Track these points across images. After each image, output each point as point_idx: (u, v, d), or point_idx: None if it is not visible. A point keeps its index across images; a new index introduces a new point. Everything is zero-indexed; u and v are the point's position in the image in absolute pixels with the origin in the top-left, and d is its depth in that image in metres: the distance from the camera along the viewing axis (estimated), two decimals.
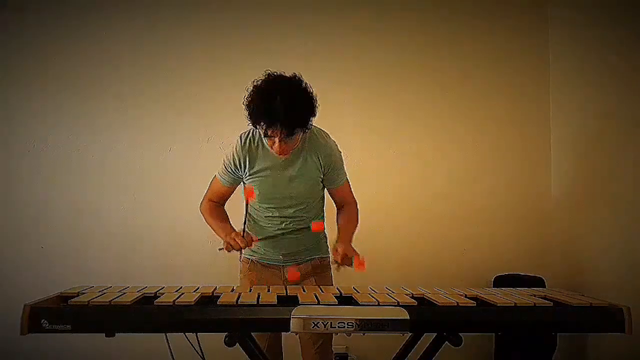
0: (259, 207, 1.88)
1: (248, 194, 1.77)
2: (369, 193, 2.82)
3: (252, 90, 1.65)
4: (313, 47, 2.88)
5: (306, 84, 1.68)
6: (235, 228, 1.86)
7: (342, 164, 1.92)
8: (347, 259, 1.73)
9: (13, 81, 2.78)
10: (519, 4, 2.98)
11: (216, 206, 1.95)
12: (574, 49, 2.75)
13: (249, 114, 1.67)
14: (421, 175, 2.89)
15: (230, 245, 1.73)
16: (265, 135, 1.67)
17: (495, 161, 2.92)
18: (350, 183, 1.98)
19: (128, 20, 2.84)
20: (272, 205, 1.87)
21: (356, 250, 1.76)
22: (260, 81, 1.66)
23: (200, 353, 1.70)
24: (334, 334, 1.97)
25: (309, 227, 1.81)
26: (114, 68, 2.82)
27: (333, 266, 1.83)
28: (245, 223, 1.84)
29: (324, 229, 1.91)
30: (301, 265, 1.92)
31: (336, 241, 1.80)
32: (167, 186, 2.80)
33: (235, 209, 1.97)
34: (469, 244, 2.86)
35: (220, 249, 1.78)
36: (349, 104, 2.85)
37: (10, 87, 2.78)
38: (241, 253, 1.92)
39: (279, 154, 1.73)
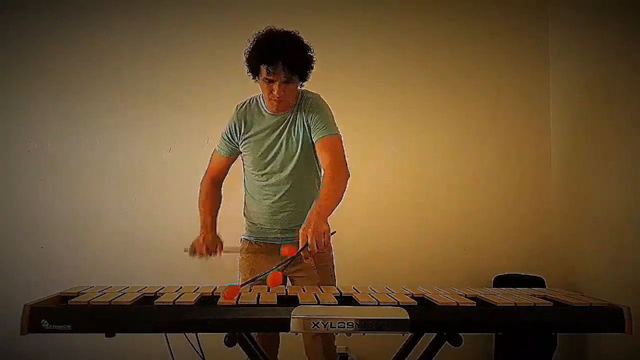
0: (255, 176, 1.90)
1: (273, 282, 1.50)
2: (368, 193, 2.83)
3: (254, 38, 1.75)
4: (313, 46, 2.86)
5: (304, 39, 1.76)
6: (216, 222, 1.90)
7: (330, 118, 1.82)
8: (317, 250, 1.49)
9: (13, 81, 2.79)
10: (519, 4, 2.98)
11: (214, 189, 1.98)
12: (574, 49, 2.76)
13: (249, 60, 1.74)
14: (421, 175, 2.89)
15: (195, 249, 1.80)
16: (267, 74, 1.70)
17: (495, 161, 2.92)
18: (343, 145, 1.80)
19: (128, 20, 2.84)
20: (266, 172, 1.87)
21: (328, 227, 1.52)
22: (261, 32, 1.75)
23: (200, 353, 1.70)
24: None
25: (303, 201, 1.80)
26: (114, 68, 2.82)
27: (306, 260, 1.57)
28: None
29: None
30: (302, 253, 1.85)
31: (308, 215, 1.56)
32: (167, 186, 2.80)
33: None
34: (469, 244, 2.86)
35: (185, 250, 1.82)
36: (348, 104, 2.85)
37: (10, 87, 2.78)
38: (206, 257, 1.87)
39: (276, 105, 1.77)
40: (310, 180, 1.93)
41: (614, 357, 2.30)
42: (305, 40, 1.76)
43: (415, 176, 2.89)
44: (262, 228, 1.93)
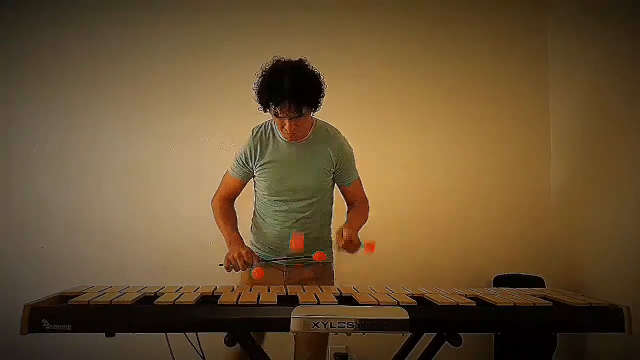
0: (268, 200, 1.90)
1: (257, 275, 1.72)
2: (368, 192, 2.81)
3: (261, 74, 1.73)
4: (313, 47, 2.87)
5: (312, 66, 1.75)
6: (242, 237, 1.87)
7: (354, 160, 1.95)
8: (351, 244, 1.73)
9: (13, 81, 2.78)
10: (519, 4, 2.98)
11: (227, 206, 1.96)
12: (574, 49, 2.75)
13: (258, 97, 1.73)
14: (421, 175, 2.89)
15: (231, 264, 1.75)
16: (275, 115, 1.71)
17: (495, 161, 2.92)
18: (362, 182, 2.00)
19: (128, 20, 2.84)
20: (280, 198, 1.88)
21: (359, 241, 1.75)
22: (268, 65, 1.73)
23: (200, 353, 1.70)
24: (327, 345, 1.94)
25: (315, 229, 1.83)
26: (114, 68, 2.82)
27: (334, 250, 1.84)
28: (252, 222, 1.85)
29: (326, 258, 1.86)
30: (304, 270, 1.91)
31: (342, 226, 1.79)
32: (167, 186, 2.80)
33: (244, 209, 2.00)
34: (469, 243, 2.86)
35: (220, 265, 1.78)
36: (348, 103, 2.85)
37: (10, 87, 2.78)
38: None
39: (290, 137, 1.77)
40: (325, 209, 1.95)
41: (614, 357, 2.30)
42: (313, 69, 1.74)
43: (415, 176, 2.89)
44: (269, 248, 1.93)
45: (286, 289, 1.60)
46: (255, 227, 1.99)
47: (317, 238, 1.91)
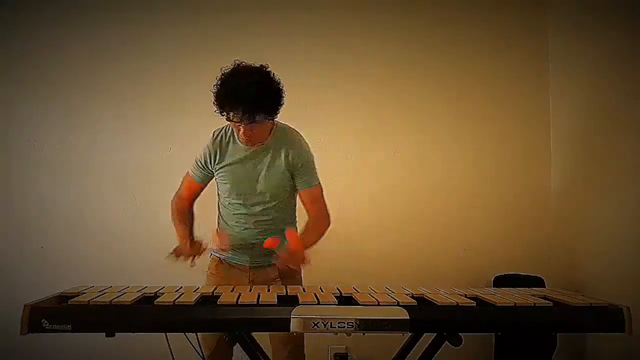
0: (229, 204, 1.91)
1: (219, 241, 1.78)
2: (367, 192, 2.83)
3: (220, 77, 1.72)
4: (313, 47, 2.88)
5: (272, 73, 1.73)
6: (194, 235, 1.91)
7: (313, 166, 1.90)
8: (289, 257, 1.70)
9: (13, 81, 2.78)
10: (519, 4, 2.98)
11: (184, 206, 1.99)
12: (574, 50, 2.75)
13: (215, 100, 1.71)
14: (420, 175, 2.89)
15: (179, 251, 1.81)
16: (229, 119, 1.70)
17: (495, 161, 2.91)
18: (323, 193, 1.92)
19: (128, 20, 2.84)
20: (240, 202, 1.89)
21: (307, 256, 1.73)
22: (228, 69, 1.73)
23: (200, 353, 1.70)
24: (303, 340, 1.94)
25: (277, 231, 1.81)
26: (114, 68, 2.82)
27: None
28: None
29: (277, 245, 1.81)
30: (268, 269, 1.89)
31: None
32: (167, 186, 2.77)
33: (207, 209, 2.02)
34: (469, 244, 2.86)
35: (170, 254, 1.82)
36: (348, 104, 2.85)
37: (10, 87, 2.78)
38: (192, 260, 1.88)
39: (246, 142, 1.78)
40: (286, 214, 1.95)
41: (614, 357, 2.30)
42: (273, 77, 1.71)
43: (415, 176, 2.88)
44: (231, 255, 1.94)
45: (286, 289, 1.60)
46: (220, 229, 1.99)
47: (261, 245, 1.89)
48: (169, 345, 1.60)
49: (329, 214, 1.92)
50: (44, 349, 2.59)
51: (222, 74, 1.72)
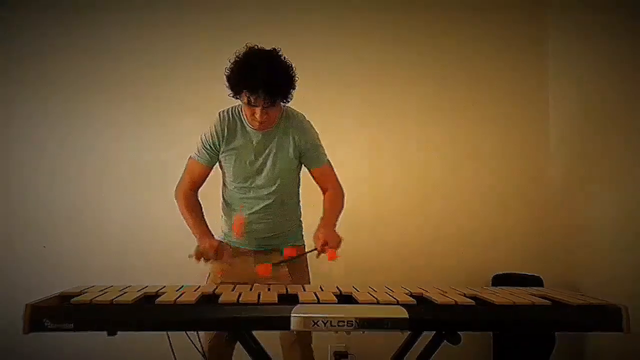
0: (234, 187, 1.90)
1: (237, 227, 1.77)
2: (367, 191, 2.84)
3: (235, 61, 1.72)
4: (313, 47, 2.88)
5: (286, 57, 1.74)
6: (211, 230, 1.87)
7: (319, 144, 1.92)
8: (327, 246, 1.71)
9: (13, 81, 2.79)
10: (519, 4, 2.99)
11: (192, 196, 1.94)
12: (573, 50, 2.76)
13: (230, 84, 1.71)
14: (419, 174, 2.90)
15: (202, 254, 1.75)
16: (248, 103, 1.69)
17: (494, 160, 2.92)
18: (333, 168, 1.96)
19: (129, 20, 2.85)
20: (246, 185, 1.88)
21: (340, 235, 1.76)
22: (241, 53, 1.72)
23: (201, 352, 1.71)
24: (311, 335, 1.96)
25: (282, 214, 1.84)
26: (114, 68, 2.82)
27: (314, 253, 1.79)
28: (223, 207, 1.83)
29: (295, 253, 1.87)
30: (272, 253, 1.90)
31: (318, 227, 1.78)
32: (167, 186, 2.78)
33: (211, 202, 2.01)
34: (468, 242, 2.87)
35: (190, 257, 1.77)
36: (347, 102, 2.86)
37: (10, 87, 2.78)
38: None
39: (259, 127, 1.77)
40: (291, 195, 1.96)
41: (612, 356, 2.31)
42: (286, 60, 1.72)
43: (414, 176, 2.89)
44: (236, 238, 1.94)
45: (286, 288, 1.61)
46: (225, 214, 1.99)
47: (284, 222, 1.93)
48: (170, 344, 1.61)
49: (341, 186, 1.96)
50: (44, 348, 2.59)
51: (236, 57, 1.71)
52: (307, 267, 1.98)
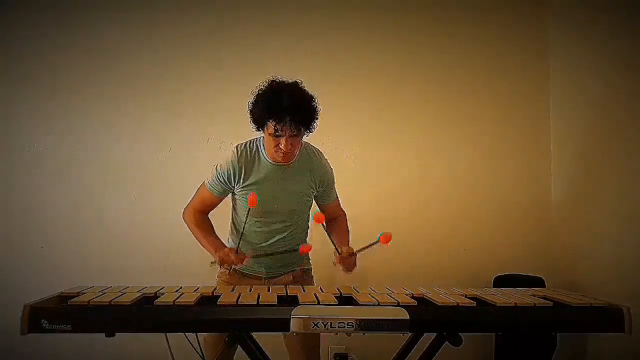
0: (249, 220, 1.85)
1: (251, 202, 1.71)
2: (368, 193, 2.83)
3: (259, 93, 1.73)
4: (312, 47, 2.88)
5: (307, 89, 1.76)
6: (223, 241, 1.87)
7: (334, 182, 1.98)
8: (350, 259, 1.76)
9: (13, 81, 2.78)
10: (519, 4, 2.98)
11: (202, 216, 1.93)
12: (574, 50, 2.75)
13: (255, 115, 1.72)
14: (420, 175, 2.89)
15: (223, 260, 1.75)
16: (275, 132, 1.68)
17: (495, 161, 2.91)
18: (339, 197, 2.04)
19: (129, 20, 2.84)
20: (262, 219, 1.87)
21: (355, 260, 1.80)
22: (265, 85, 1.73)
23: (200, 353, 1.70)
24: (319, 340, 1.96)
25: (296, 248, 1.83)
26: (114, 68, 2.82)
27: (333, 263, 1.82)
28: (239, 241, 1.81)
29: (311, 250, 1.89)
30: (282, 277, 1.93)
31: (335, 246, 1.81)
32: (167, 186, 2.80)
33: (222, 219, 1.99)
34: (469, 244, 2.86)
35: (212, 263, 1.79)
36: (347, 104, 2.85)
37: (10, 87, 2.78)
38: (231, 269, 1.88)
39: (283, 157, 1.75)
40: (302, 229, 1.97)
41: (614, 358, 2.30)
42: (308, 92, 1.74)
43: (415, 177, 2.88)
44: (245, 266, 1.91)
45: (286, 289, 1.60)
46: (234, 235, 1.98)
47: (291, 255, 1.93)
48: (169, 346, 1.60)
49: (344, 210, 2.06)
50: (44, 349, 2.59)
51: (259, 89, 1.73)
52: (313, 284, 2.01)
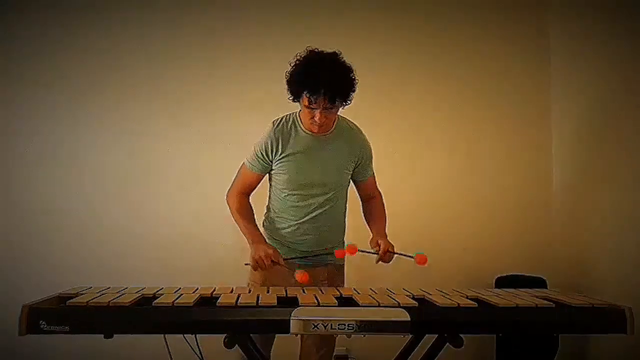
0: (286, 195, 1.86)
1: (301, 279, 1.68)
2: None
3: (295, 62, 1.72)
4: (312, 46, 2.86)
5: (346, 60, 1.74)
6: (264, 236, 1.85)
7: (372, 157, 1.96)
8: (388, 254, 1.76)
9: (13, 81, 2.78)
10: (519, 4, 2.97)
11: (245, 201, 1.90)
12: (574, 51, 2.75)
13: (291, 85, 1.71)
14: (421, 175, 2.88)
15: (258, 264, 1.72)
16: (309, 103, 1.67)
17: (497, 161, 2.91)
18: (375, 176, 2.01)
19: (129, 21, 2.84)
20: (298, 192, 1.85)
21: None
22: (302, 55, 1.72)
23: (199, 355, 1.69)
24: (335, 343, 1.95)
25: (330, 225, 1.83)
26: (114, 69, 2.81)
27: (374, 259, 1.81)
28: (266, 219, 1.81)
29: (345, 255, 1.87)
30: (317, 269, 1.88)
31: (373, 236, 1.83)
32: (166, 186, 2.80)
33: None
34: (470, 244, 2.85)
35: (246, 264, 1.76)
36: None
37: (10, 87, 2.78)
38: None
39: (317, 129, 1.74)
40: (341, 205, 1.94)
41: (616, 358, 2.29)
42: (347, 63, 1.73)
43: (415, 177, 2.88)
44: (282, 245, 1.90)
45: (286, 290, 1.59)
46: (269, 222, 1.95)
47: (330, 235, 1.91)
48: (168, 347, 1.59)
49: (380, 191, 2.04)
50: (43, 349, 2.58)
51: (297, 59, 1.72)
52: (344, 279, 1.99)
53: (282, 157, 1.81)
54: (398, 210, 2.83)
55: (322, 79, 1.62)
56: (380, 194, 2.03)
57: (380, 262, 1.77)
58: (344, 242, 1.98)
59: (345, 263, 2.00)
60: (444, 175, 2.89)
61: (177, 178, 2.79)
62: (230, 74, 2.81)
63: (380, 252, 1.74)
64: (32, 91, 2.78)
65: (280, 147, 1.80)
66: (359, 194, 2.01)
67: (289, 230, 1.88)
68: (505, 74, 2.95)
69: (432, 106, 2.91)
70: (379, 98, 2.89)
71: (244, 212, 1.88)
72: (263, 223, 1.98)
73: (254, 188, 1.92)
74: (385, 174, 2.85)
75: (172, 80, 2.83)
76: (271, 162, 1.84)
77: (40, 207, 2.74)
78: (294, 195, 1.85)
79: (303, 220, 1.86)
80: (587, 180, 2.62)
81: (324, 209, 1.86)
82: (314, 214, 1.86)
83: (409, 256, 1.72)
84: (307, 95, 1.66)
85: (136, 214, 2.77)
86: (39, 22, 2.80)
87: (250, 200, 1.93)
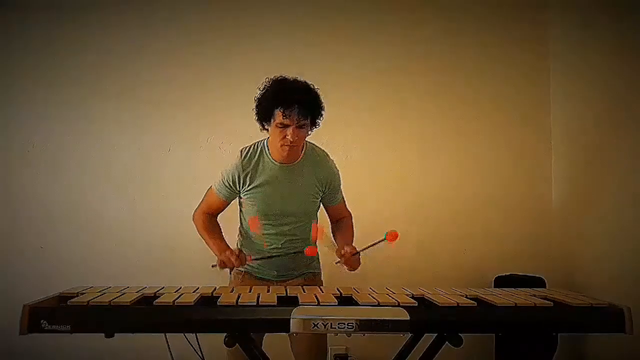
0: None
1: (253, 226, 1.72)
2: (368, 193, 2.83)
3: (265, 86, 1.75)
4: (313, 48, 2.87)
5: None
6: (229, 244, 1.86)
7: (340, 183, 1.97)
8: (352, 258, 1.76)
9: (13, 81, 2.78)
10: (519, 4, 2.98)
11: (210, 219, 1.94)
12: (574, 51, 2.75)
13: (263, 105, 1.73)
14: (421, 175, 2.88)
15: (224, 263, 1.75)
16: (282, 120, 1.68)
17: (496, 161, 2.91)
18: (345, 200, 2.04)
19: (128, 21, 2.84)
20: (269, 222, 1.86)
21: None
22: (270, 79, 1.75)
23: (199, 353, 1.70)
24: (327, 341, 1.95)
25: (302, 251, 1.82)
26: (114, 68, 2.81)
27: (336, 263, 1.82)
28: (239, 243, 1.82)
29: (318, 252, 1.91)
30: (292, 280, 1.91)
31: (337, 248, 1.82)
32: (166, 186, 2.80)
33: (229, 222, 1.98)
34: (470, 244, 2.85)
35: (213, 266, 1.78)
36: (348, 104, 2.85)
37: (10, 87, 2.78)
38: (230, 271, 1.90)
39: (288, 152, 1.74)
40: (309, 230, 1.94)
41: (615, 358, 2.30)
42: (315, 88, 1.77)
43: (414, 176, 2.88)
44: (257, 268, 1.92)
45: (286, 290, 1.59)
46: (242, 237, 1.97)
47: (304, 256, 1.90)
48: (169, 346, 1.60)
49: (349, 211, 2.05)
50: (43, 349, 2.58)
51: (268, 80, 1.75)
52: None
53: (250, 189, 1.83)
54: (398, 211, 2.86)
55: (295, 93, 1.67)
56: (350, 214, 2.05)
57: (345, 265, 1.77)
58: (319, 262, 2.02)
59: (321, 271, 2.03)
60: (444, 176, 2.89)
61: (177, 178, 2.79)
62: (232, 74, 2.81)
63: (345, 252, 1.75)
64: (32, 91, 2.78)
65: (248, 179, 1.83)
66: (328, 216, 2.02)
67: (260, 257, 1.89)
68: (505, 74, 2.95)
69: (431, 107, 2.91)
70: (379, 99, 2.89)
71: (210, 227, 1.91)
72: (237, 238, 2.00)
73: (221, 211, 1.96)
74: (385, 174, 2.88)
75: (173, 80, 2.83)
76: (238, 191, 1.87)
77: (41, 206, 2.74)
78: (264, 224, 1.87)
79: (274, 246, 1.89)
80: (586, 180, 2.63)
81: (295, 235, 1.89)
82: (285, 240, 1.88)
83: (380, 240, 1.72)
84: (281, 110, 1.67)
85: (137, 214, 2.77)
86: (39, 22, 2.80)
87: (217, 220, 1.96)
